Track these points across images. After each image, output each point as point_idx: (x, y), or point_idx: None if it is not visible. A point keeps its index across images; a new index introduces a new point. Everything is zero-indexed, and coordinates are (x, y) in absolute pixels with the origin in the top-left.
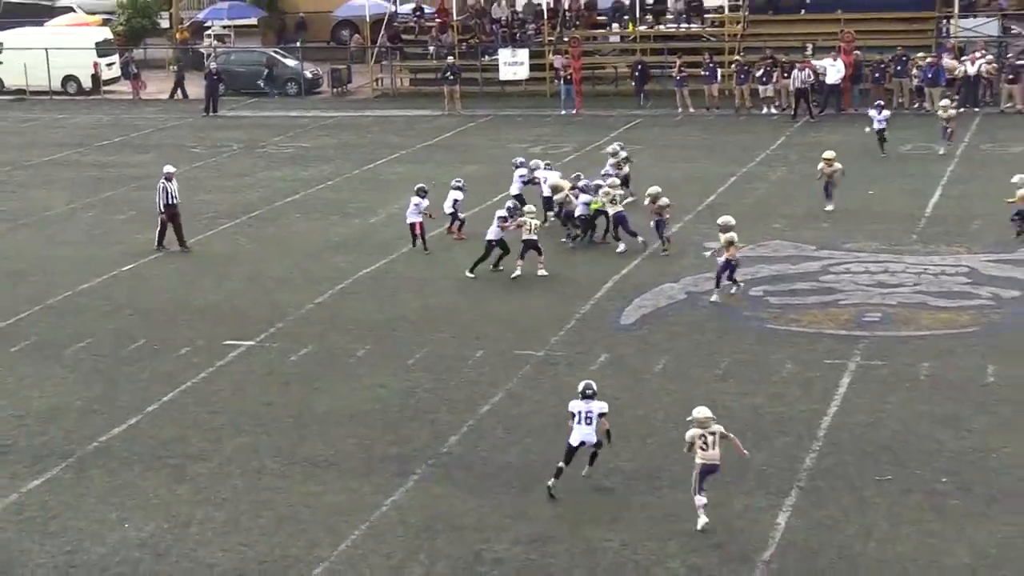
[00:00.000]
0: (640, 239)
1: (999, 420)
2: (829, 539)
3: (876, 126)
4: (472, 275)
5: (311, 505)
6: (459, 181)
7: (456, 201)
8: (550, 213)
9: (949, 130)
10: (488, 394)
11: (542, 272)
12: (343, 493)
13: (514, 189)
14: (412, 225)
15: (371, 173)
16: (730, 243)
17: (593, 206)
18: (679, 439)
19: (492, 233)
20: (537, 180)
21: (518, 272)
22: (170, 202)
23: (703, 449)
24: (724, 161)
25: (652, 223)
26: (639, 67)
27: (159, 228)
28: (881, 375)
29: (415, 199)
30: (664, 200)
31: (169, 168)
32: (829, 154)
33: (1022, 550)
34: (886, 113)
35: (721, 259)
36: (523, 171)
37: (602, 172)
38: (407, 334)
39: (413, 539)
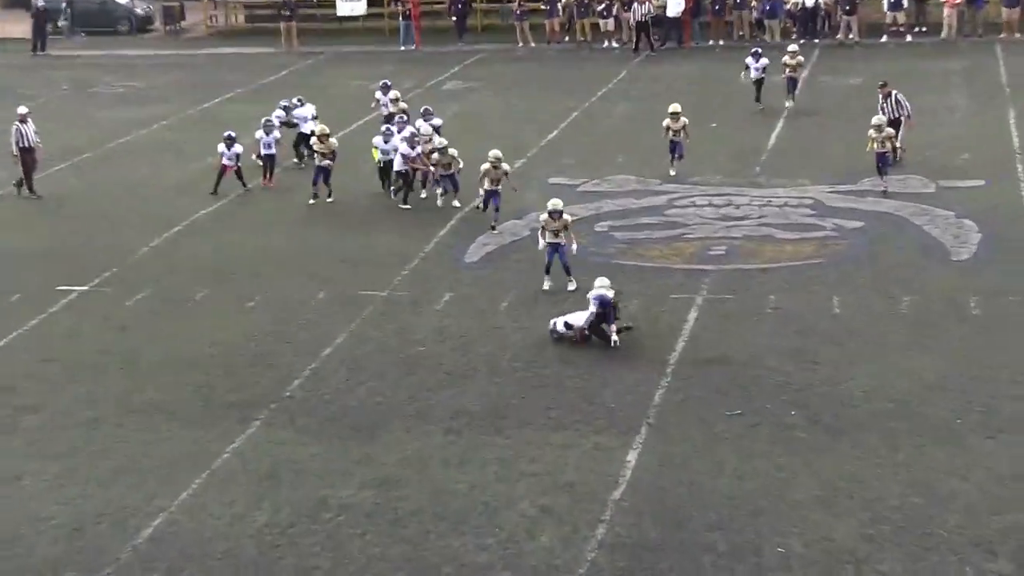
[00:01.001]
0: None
1: (846, 352)
2: (679, 476)
3: (754, 75)
4: (407, 206)
5: (150, 455)
6: (281, 115)
7: (268, 142)
8: (304, 154)
9: (796, 80)
10: (330, 336)
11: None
12: (183, 442)
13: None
14: (223, 168)
15: (207, 113)
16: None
17: (375, 155)
18: (526, 378)
19: (398, 164)
20: (296, 120)
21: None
22: (26, 145)
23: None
24: (565, 97)
25: (482, 191)
26: (459, 2)
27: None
28: (728, 309)
29: (221, 147)
30: (505, 167)
31: (22, 109)
32: (675, 107)
33: (869, 482)
34: (764, 61)
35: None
36: (280, 113)
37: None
38: (246, 277)
39: (256, 486)
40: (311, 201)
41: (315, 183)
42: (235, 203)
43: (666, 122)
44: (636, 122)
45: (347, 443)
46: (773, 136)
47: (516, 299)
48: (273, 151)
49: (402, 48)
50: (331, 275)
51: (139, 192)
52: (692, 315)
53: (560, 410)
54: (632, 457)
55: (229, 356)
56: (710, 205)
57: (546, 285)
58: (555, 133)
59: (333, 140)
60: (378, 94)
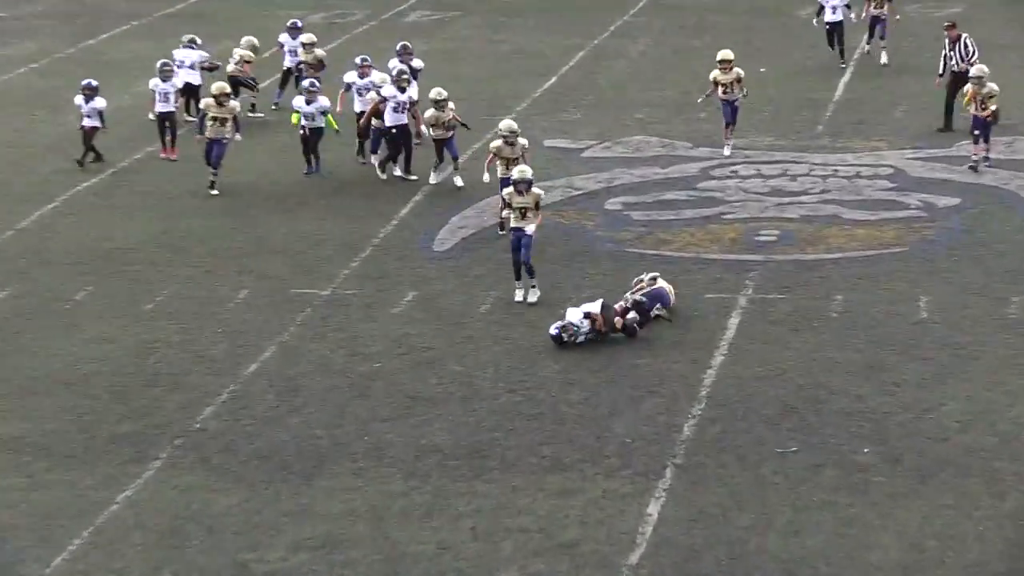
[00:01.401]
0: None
1: (935, 369)
2: (716, 533)
3: (829, 16)
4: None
5: (14, 505)
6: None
7: (164, 93)
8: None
9: (883, 20)
10: (256, 349)
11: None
12: (58, 487)
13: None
14: (84, 131)
15: (92, 52)
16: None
17: (295, 119)
18: (514, 405)
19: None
20: (214, 65)
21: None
22: None
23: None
24: (567, 31)
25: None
26: None
27: None
28: (781, 313)
29: (78, 99)
30: (523, 143)
31: None
32: (725, 54)
33: (966, 540)
34: None
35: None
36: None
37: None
38: (144, 269)
39: (155, 548)
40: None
41: (209, 161)
42: (129, 173)
43: (714, 74)
44: (659, 65)
45: (276, 490)
46: (840, 84)
47: (500, 300)
48: (172, 107)
49: None
50: (256, 268)
51: (1, 157)
52: (733, 321)
53: (558, 446)
54: (654, 509)
55: (120, 375)
56: (757, 175)
57: (518, 295)
58: (553, 80)
59: (234, 103)
60: (283, 37)
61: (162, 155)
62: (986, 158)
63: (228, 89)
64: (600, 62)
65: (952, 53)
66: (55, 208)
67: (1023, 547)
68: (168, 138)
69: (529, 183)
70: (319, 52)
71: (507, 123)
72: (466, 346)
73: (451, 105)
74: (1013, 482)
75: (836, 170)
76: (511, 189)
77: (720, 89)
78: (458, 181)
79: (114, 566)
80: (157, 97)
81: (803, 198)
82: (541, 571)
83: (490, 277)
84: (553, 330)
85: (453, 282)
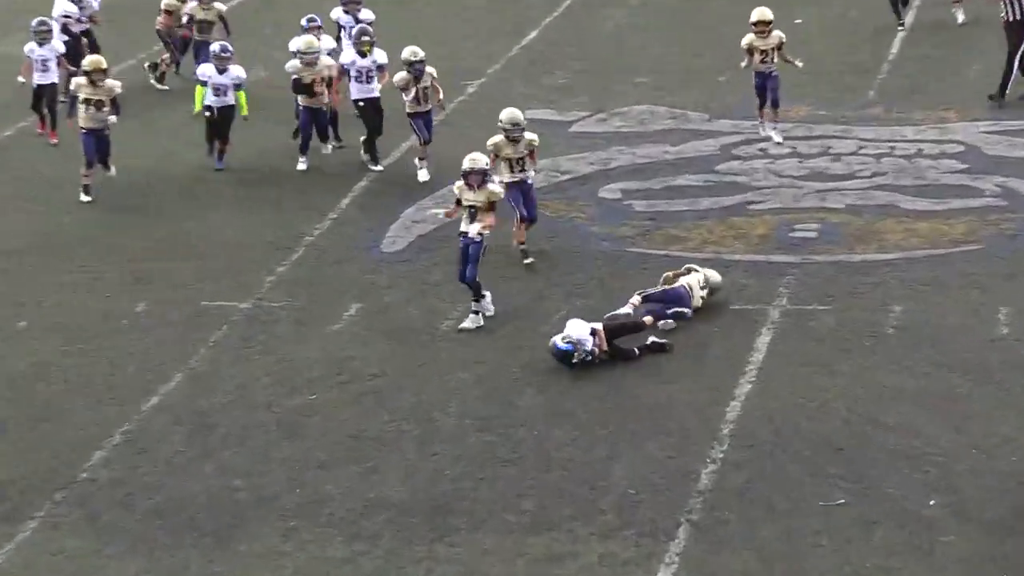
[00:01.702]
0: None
1: (1017, 399)
2: None
3: None
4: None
5: None
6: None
7: (43, 60)
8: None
9: None
10: (158, 377)
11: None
12: None
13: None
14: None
15: None
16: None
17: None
18: (486, 447)
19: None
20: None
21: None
22: None
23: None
24: None
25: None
26: None
27: None
28: (824, 328)
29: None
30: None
31: None
32: (763, 13)
33: None
34: None
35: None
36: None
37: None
38: (19, 276)
39: None
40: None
41: (88, 159)
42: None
43: (748, 39)
44: (666, 16)
45: (185, 556)
46: (896, 40)
47: (467, 313)
48: (53, 77)
49: None
50: (159, 275)
51: None
52: (763, 340)
53: (541, 499)
54: None
55: None
56: (793, 155)
57: (469, 323)
58: (533, 35)
59: (113, 81)
60: None
61: (39, 131)
62: None
63: (104, 64)
64: (592, 12)
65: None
66: None
67: None
68: (48, 116)
69: (484, 174)
70: (218, 6)
71: (510, 113)
72: (424, 373)
73: (431, 70)
74: None
75: (892, 148)
76: (461, 182)
77: (757, 58)
78: (423, 174)
79: None
80: (34, 65)
81: (850, 183)
82: None
83: (453, 284)
84: (562, 343)
85: (407, 291)
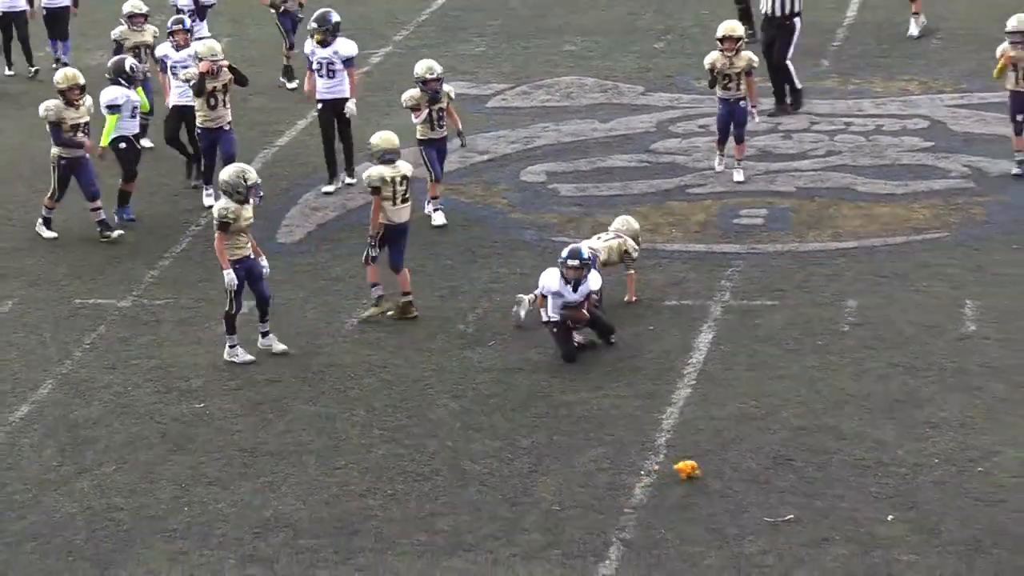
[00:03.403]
0: None
1: (986, 402)
2: None
3: None
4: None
5: None
6: None
7: None
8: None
9: None
10: (27, 383)
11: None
12: None
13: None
14: None
15: None
16: None
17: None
18: (389, 460)
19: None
20: None
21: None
22: None
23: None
24: None
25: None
26: None
27: None
28: (770, 326)
29: None
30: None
31: None
32: (731, 28)
33: None
34: None
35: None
36: None
37: None
38: None
39: None
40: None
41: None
42: None
43: (711, 58)
44: None
45: None
46: (853, 5)
47: (380, 312)
48: None
49: None
50: (27, 269)
51: None
52: (704, 338)
53: (458, 517)
54: None
55: None
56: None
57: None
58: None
59: (89, 98)
60: None
61: None
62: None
63: (82, 80)
64: None
65: None
66: None
67: None
68: None
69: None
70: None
71: (427, 63)
72: (325, 378)
73: (449, 89)
74: None
75: (848, 123)
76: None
77: (720, 84)
78: (438, 218)
79: None
80: None
81: (801, 163)
82: None
83: (362, 277)
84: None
85: (307, 287)
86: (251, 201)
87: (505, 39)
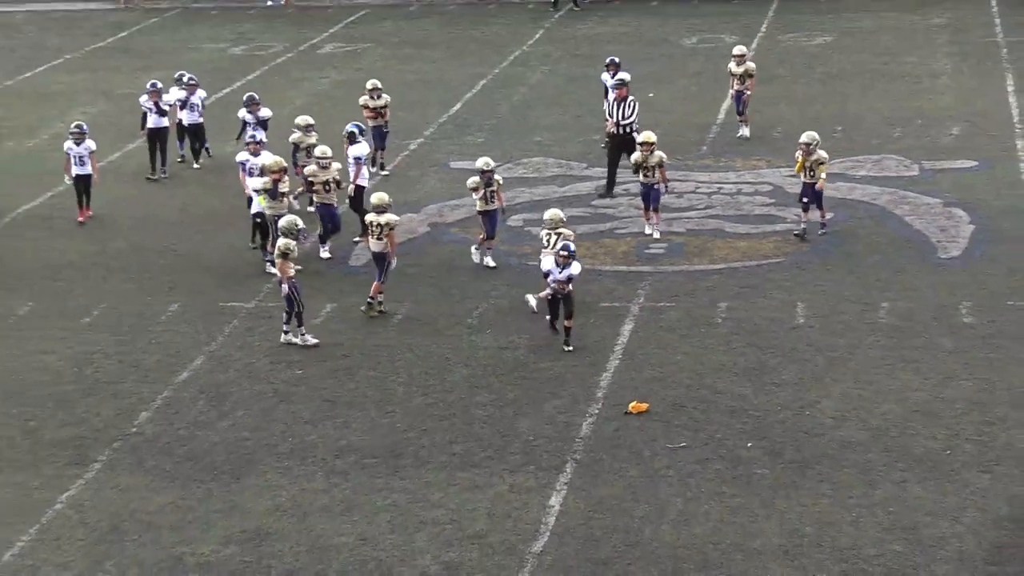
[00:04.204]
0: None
1: (811, 370)
2: (614, 522)
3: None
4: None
5: None
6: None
7: (80, 156)
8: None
9: (745, 95)
10: (186, 358)
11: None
12: (4, 488)
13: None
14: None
15: (27, 85)
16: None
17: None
18: (425, 407)
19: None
20: (167, 106)
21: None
22: None
23: None
24: (471, 61)
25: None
26: None
27: None
28: (670, 320)
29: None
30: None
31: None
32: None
33: (841, 526)
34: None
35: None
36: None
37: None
38: (81, 286)
39: (97, 543)
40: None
41: (323, 238)
42: (65, 196)
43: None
44: (557, 92)
45: (208, 488)
46: (723, 109)
47: (412, 311)
48: (88, 169)
49: (268, 3)
50: (186, 283)
51: None
52: (627, 328)
53: (467, 445)
54: (556, 501)
55: (61, 384)
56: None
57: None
58: (458, 106)
59: (336, 166)
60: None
61: (80, 219)
62: (823, 225)
63: (328, 152)
64: (501, 89)
65: (617, 112)
66: None
67: (893, 531)
68: (83, 199)
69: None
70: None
71: (484, 159)
72: (380, 354)
73: (498, 177)
74: (883, 473)
75: (719, 187)
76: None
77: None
78: (488, 260)
79: (59, 561)
80: (72, 160)
81: (689, 213)
82: (453, 559)
83: (403, 289)
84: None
85: (367, 294)
86: (300, 239)
87: (496, 133)
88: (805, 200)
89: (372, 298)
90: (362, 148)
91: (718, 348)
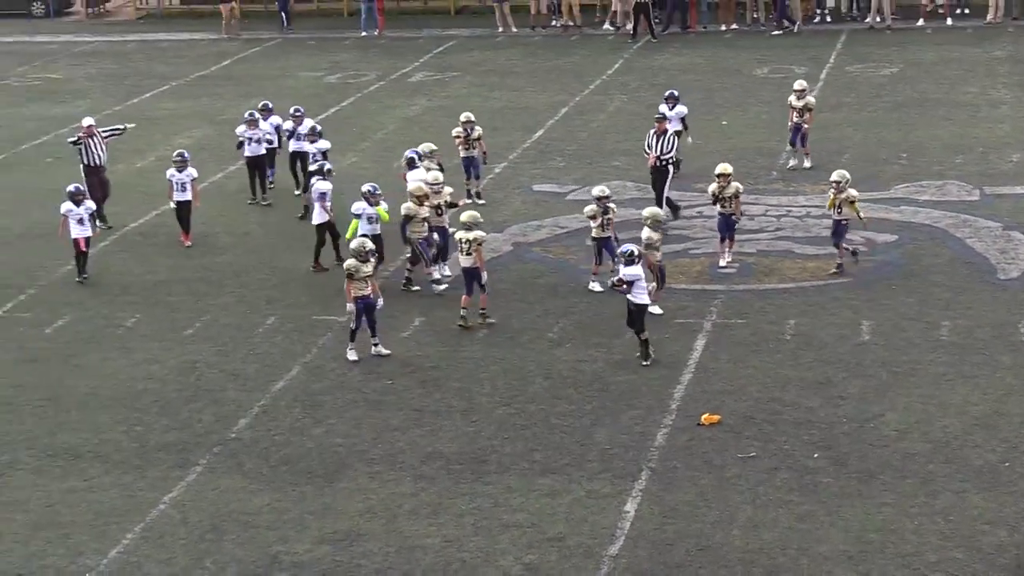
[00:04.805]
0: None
1: (875, 384)
2: (686, 528)
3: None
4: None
5: (74, 505)
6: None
7: (182, 183)
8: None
9: (804, 128)
10: (282, 368)
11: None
12: (112, 489)
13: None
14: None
15: (136, 109)
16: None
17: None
18: (507, 416)
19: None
20: (269, 136)
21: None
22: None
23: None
24: (553, 89)
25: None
26: None
27: None
28: (741, 336)
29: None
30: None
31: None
32: (724, 167)
33: (903, 534)
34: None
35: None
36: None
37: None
38: (185, 299)
39: (197, 542)
40: (438, 286)
41: (426, 259)
42: (169, 215)
43: (712, 187)
44: (635, 119)
45: (302, 491)
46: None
47: (496, 326)
48: (188, 196)
49: (363, 34)
50: (282, 298)
51: (58, 200)
52: (699, 343)
53: (547, 452)
54: (631, 507)
55: (165, 391)
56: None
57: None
58: (541, 132)
59: (448, 189)
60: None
61: (182, 240)
62: (854, 252)
63: (440, 177)
64: (582, 116)
65: (657, 145)
66: (106, 246)
67: (953, 539)
68: (184, 225)
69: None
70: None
71: (600, 188)
72: (466, 366)
73: (612, 205)
74: (944, 483)
75: (789, 210)
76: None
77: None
78: (596, 287)
79: (162, 557)
80: (174, 186)
81: (760, 235)
82: (534, 561)
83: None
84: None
85: (453, 310)
86: (370, 261)
87: (576, 158)
88: (835, 240)
89: (479, 308)
90: (420, 173)
91: (786, 363)
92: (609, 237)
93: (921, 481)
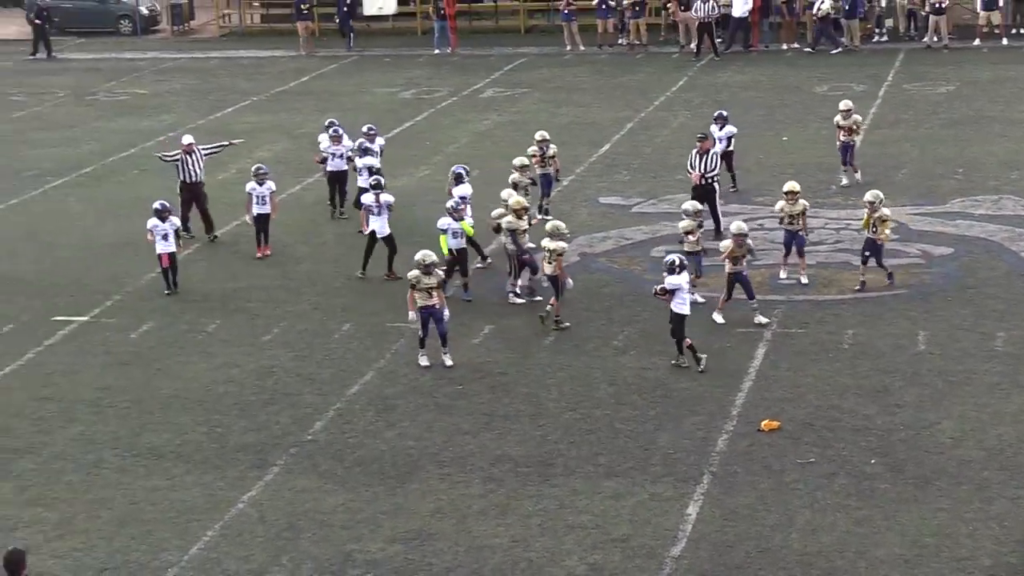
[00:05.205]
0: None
1: (931, 393)
2: (746, 531)
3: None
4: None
5: (156, 503)
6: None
7: (262, 196)
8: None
9: (854, 146)
10: (356, 373)
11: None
12: (193, 488)
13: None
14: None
15: (219, 123)
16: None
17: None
18: (573, 421)
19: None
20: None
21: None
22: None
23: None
24: (619, 105)
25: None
26: (343, 4)
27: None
28: (800, 345)
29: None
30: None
31: (187, 139)
32: (792, 186)
33: (959, 538)
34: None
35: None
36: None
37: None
38: (263, 306)
39: (274, 540)
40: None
41: (516, 270)
42: (250, 227)
43: (779, 205)
44: (696, 134)
45: (375, 492)
46: (851, 153)
47: (563, 333)
48: (268, 208)
49: (436, 51)
50: (356, 305)
51: (144, 211)
52: (760, 351)
53: (611, 456)
54: (693, 509)
55: (244, 394)
56: (780, 229)
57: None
58: (607, 147)
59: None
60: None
61: (258, 255)
62: (889, 275)
63: (524, 203)
64: (646, 131)
65: (700, 164)
66: (189, 255)
67: (1008, 544)
68: (263, 237)
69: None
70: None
71: (689, 203)
72: (534, 372)
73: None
74: (999, 489)
75: (847, 224)
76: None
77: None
78: (697, 296)
79: (240, 555)
80: (254, 200)
81: (819, 247)
82: (598, 561)
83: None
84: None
85: (522, 316)
86: (432, 272)
87: (641, 171)
88: (867, 254)
89: (554, 315)
90: (466, 188)
91: (844, 371)
92: (698, 251)
93: (976, 487)
